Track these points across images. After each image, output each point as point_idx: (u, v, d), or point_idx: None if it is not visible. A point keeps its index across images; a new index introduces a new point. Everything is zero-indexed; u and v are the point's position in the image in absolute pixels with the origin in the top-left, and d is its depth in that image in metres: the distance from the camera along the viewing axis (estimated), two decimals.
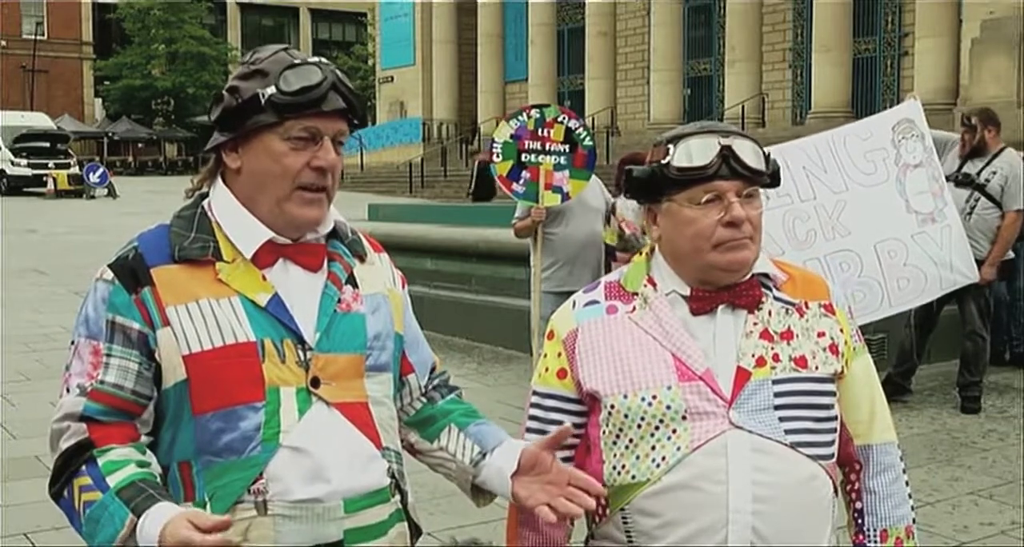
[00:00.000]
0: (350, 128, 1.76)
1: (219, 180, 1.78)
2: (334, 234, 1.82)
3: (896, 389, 6.90)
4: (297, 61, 1.71)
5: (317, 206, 1.73)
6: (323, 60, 1.74)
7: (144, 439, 1.68)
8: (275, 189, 1.71)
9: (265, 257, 1.73)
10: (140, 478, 1.60)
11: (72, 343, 1.73)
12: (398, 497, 1.80)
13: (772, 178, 1.86)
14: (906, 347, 7.06)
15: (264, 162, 1.71)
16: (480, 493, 1.89)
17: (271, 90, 1.67)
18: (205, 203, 1.78)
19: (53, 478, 1.67)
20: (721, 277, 1.81)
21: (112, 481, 1.59)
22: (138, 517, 1.53)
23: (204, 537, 1.44)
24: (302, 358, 1.70)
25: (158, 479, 1.63)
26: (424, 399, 1.96)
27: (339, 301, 1.77)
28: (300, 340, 1.71)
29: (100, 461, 1.61)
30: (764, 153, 1.83)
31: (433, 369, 2.00)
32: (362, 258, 1.86)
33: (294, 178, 1.70)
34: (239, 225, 1.73)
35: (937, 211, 5.99)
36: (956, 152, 6.91)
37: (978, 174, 6.78)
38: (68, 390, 1.69)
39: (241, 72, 1.73)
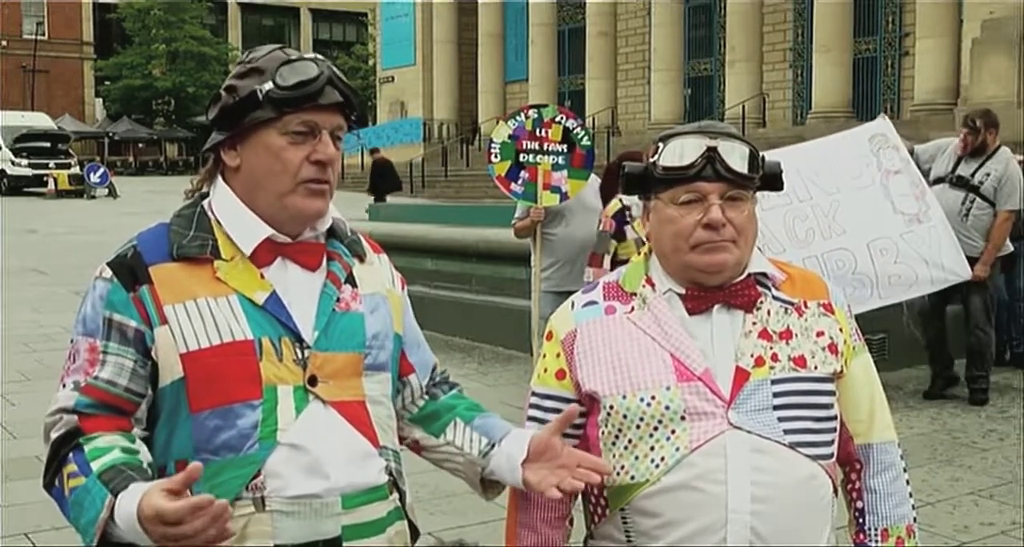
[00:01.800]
0: (347, 124, 1.77)
1: (219, 179, 1.78)
2: (333, 234, 1.83)
3: (948, 382, 7.02)
4: (293, 57, 1.73)
5: (320, 197, 1.74)
6: (318, 56, 1.76)
7: (137, 432, 1.68)
8: (276, 184, 1.72)
9: (264, 255, 1.74)
10: (123, 462, 1.60)
11: (71, 341, 1.74)
12: (396, 496, 1.80)
13: (768, 181, 1.86)
14: (932, 344, 7.14)
15: (264, 158, 1.71)
16: (488, 486, 1.89)
17: (268, 86, 1.69)
18: (205, 202, 1.78)
19: (45, 468, 1.67)
20: (702, 278, 1.81)
21: (96, 466, 1.59)
22: (116, 498, 1.53)
23: (175, 505, 1.44)
24: (300, 356, 1.70)
25: (144, 465, 1.63)
26: (426, 397, 1.96)
27: (338, 300, 1.77)
28: (298, 338, 1.71)
29: (86, 448, 1.62)
30: (756, 157, 1.81)
31: (434, 369, 2.00)
32: (361, 258, 1.86)
33: (295, 173, 1.71)
34: (239, 222, 1.74)
35: (922, 212, 6.19)
36: (951, 152, 6.99)
37: (972, 175, 6.87)
38: (64, 386, 1.69)
39: (237, 71, 1.75)
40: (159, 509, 1.45)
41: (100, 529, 1.54)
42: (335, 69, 1.74)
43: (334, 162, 1.74)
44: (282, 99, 1.68)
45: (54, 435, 1.66)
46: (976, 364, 6.96)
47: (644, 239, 6.74)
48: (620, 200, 6.08)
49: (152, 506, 1.46)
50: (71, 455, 1.63)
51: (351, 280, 1.81)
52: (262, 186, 1.73)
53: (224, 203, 1.76)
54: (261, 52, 1.76)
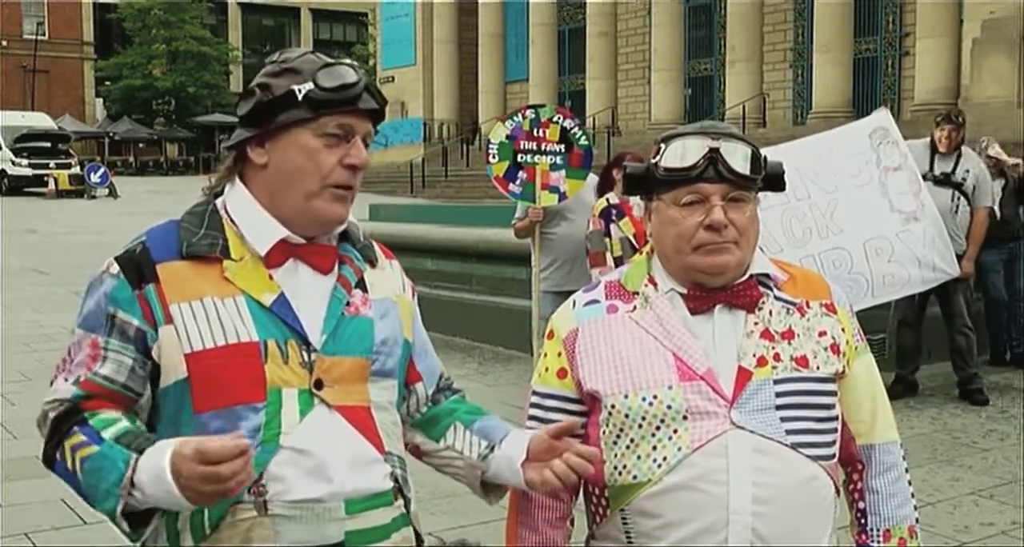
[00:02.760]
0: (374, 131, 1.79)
1: (236, 178, 1.77)
2: (346, 238, 1.82)
3: (909, 387, 7.02)
4: (331, 61, 1.74)
5: (344, 203, 1.74)
6: (354, 63, 1.77)
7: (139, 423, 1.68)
8: (305, 185, 1.71)
9: (276, 256, 1.73)
10: (135, 431, 1.60)
11: (73, 333, 1.73)
12: (401, 502, 1.78)
13: (770, 182, 1.86)
14: (908, 345, 7.14)
15: (296, 158, 1.71)
16: (490, 490, 1.88)
17: (308, 86, 1.69)
18: (218, 201, 1.77)
19: (45, 443, 1.66)
20: (704, 279, 1.80)
21: (107, 433, 1.59)
22: (140, 455, 1.53)
23: (222, 443, 1.46)
24: (306, 360, 1.69)
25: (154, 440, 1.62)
26: (429, 403, 1.96)
27: (347, 304, 1.76)
28: (305, 341, 1.70)
29: (91, 420, 1.62)
30: (759, 157, 1.81)
31: (440, 377, 2.00)
32: (373, 263, 1.85)
33: (326, 175, 1.71)
34: (253, 223, 1.73)
35: (918, 210, 6.26)
36: (923, 151, 7.00)
37: (952, 172, 6.92)
38: (64, 379, 1.69)
39: (270, 71, 1.74)
40: (201, 446, 1.46)
41: (126, 490, 1.52)
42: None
43: (364, 167, 1.75)
44: (321, 101, 1.69)
45: (52, 415, 1.65)
46: (968, 362, 7.02)
47: (631, 238, 6.70)
48: (607, 199, 6.10)
49: (193, 443, 1.48)
50: (75, 428, 1.62)
51: (362, 285, 1.80)
52: (290, 185, 1.72)
53: (240, 203, 1.75)
54: (294, 54, 1.76)
